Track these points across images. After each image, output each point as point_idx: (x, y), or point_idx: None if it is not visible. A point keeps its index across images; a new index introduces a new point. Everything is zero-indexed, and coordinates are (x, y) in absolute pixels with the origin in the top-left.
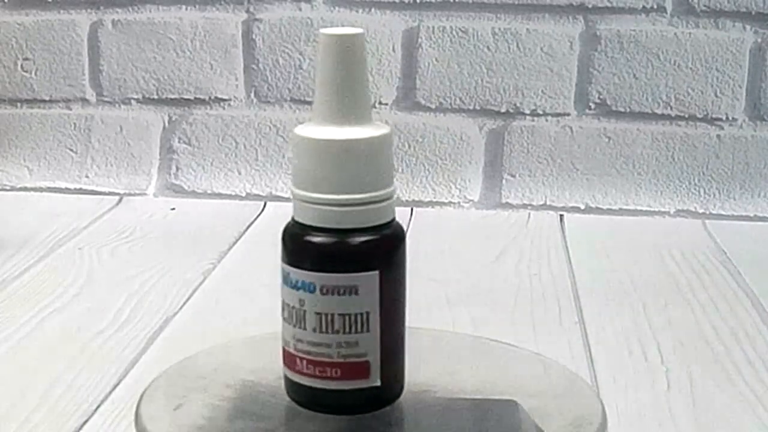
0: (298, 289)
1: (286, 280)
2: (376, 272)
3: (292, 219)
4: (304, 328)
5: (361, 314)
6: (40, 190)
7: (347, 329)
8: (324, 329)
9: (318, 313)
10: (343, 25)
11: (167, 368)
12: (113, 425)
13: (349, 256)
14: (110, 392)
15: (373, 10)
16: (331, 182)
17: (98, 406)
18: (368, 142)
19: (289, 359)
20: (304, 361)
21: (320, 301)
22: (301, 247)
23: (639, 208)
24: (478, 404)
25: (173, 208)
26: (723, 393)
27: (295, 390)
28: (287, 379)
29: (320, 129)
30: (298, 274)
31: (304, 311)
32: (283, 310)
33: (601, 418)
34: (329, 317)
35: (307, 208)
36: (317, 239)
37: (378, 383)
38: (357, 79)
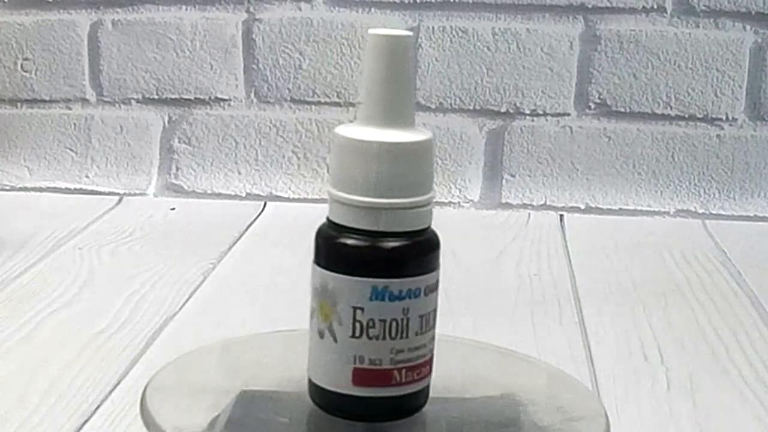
0: (402, 299)
1: (381, 295)
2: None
3: (367, 231)
4: (406, 337)
5: (436, 306)
6: (40, 190)
7: (433, 323)
8: (423, 330)
9: (421, 316)
10: (343, 26)
11: (169, 363)
12: (113, 425)
13: (435, 252)
14: (110, 392)
15: (373, 10)
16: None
17: (98, 406)
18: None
19: (379, 378)
20: (403, 371)
21: (423, 302)
22: (402, 255)
23: (639, 208)
24: (478, 402)
25: (173, 208)
26: (723, 393)
27: (382, 405)
28: (363, 400)
29: (367, 130)
30: (402, 284)
31: (408, 319)
32: (368, 328)
33: (605, 425)
34: (428, 316)
35: (403, 214)
36: (412, 242)
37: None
38: (403, 82)
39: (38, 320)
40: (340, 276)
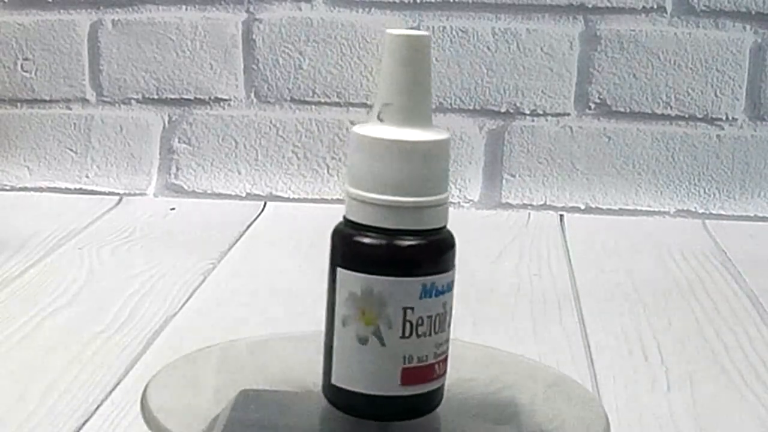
0: (443, 293)
1: (429, 292)
2: None
3: (398, 231)
4: (444, 330)
5: None
6: (40, 190)
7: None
8: (450, 321)
9: (451, 308)
10: (343, 26)
11: (169, 363)
12: (113, 425)
13: (453, 249)
14: (110, 392)
15: (373, 10)
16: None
17: (98, 406)
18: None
19: (425, 374)
20: (441, 363)
21: (452, 294)
22: (444, 249)
23: (639, 208)
24: (476, 402)
25: (173, 208)
26: (723, 393)
27: (425, 400)
28: (409, 398)
29: (382, 129)
30: (442, 279)
31: (446, 312)
32: (417, 326)
33: (605, 425)
34: (452, 307)
35: (434, 211)
36: (443, 237)
37: None
38: (420, 82)
39: (38, 320)
40: (390, 278)
